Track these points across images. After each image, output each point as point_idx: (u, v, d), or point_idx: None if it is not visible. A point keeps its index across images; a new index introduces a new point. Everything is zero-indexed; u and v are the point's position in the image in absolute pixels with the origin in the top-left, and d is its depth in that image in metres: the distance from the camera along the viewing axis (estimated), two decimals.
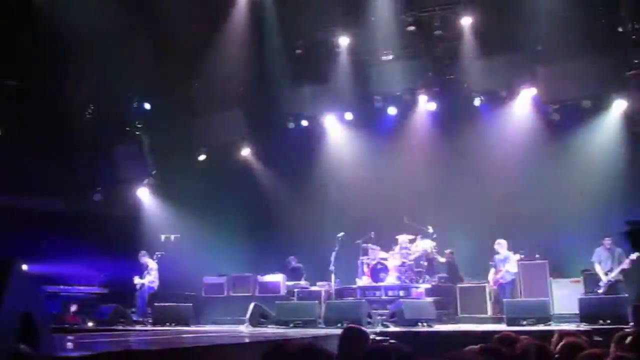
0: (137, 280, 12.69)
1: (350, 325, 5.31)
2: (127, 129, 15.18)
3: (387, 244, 13.17)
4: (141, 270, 12.86)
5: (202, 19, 13.86)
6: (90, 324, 12.58)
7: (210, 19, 13.89)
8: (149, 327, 11.59)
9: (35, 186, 16.48)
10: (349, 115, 15.14)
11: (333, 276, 12.11)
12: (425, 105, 14.45)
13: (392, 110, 14.76)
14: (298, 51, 14.40)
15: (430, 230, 12.83)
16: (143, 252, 13.02)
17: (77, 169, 14.67)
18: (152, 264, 12.81)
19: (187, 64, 14.39)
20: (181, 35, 13.86)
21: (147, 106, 15.22)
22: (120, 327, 11.29)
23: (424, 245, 12.85)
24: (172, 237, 14.95)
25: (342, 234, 12.19)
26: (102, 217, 14.75)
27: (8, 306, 2.95)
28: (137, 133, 15.10)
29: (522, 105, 13.57)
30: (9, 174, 15.95)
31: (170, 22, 13.45)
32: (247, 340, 5.49)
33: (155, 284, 12.78)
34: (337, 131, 15.53)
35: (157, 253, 13.19)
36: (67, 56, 12.93)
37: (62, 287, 13.94)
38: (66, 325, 11.47)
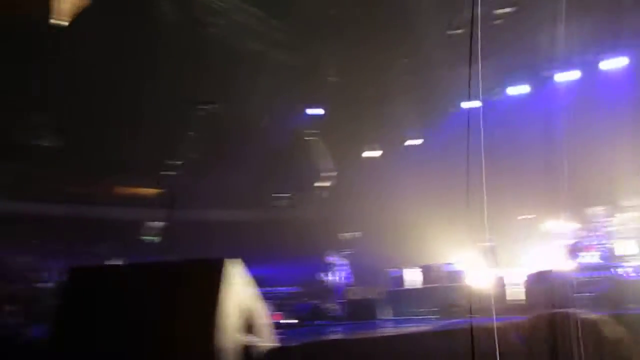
0: (328, 277, 13.06)
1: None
2: (302, 134, 15.99)
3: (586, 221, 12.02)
4: (331, 269, 13.19)
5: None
6: (289, 321, 13.47)
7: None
8: (346, 321, 12.00)
9: (232, 198, 18.29)
10: (524, 88, 14.26)
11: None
12: (609, 65, 12.96)
13: (567, 77, 13.55)
14: (456, 31, 13.93)
15: None
16: (328, 251, 13.39)
17: (265, 178, 15.88)
18: (340, 261, 13.08)
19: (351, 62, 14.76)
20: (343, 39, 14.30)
21: (320, 111, 15.81)
22: (317, 322, 11.89)
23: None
24: (356, 234, 15.33)
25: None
26: (291, 220, 15.76)
27: (230, 302, 3.28)
28: (311, 138, 15.81)
29: None
30: (209, 190, 17.96)
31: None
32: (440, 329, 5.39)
33: (350, 278, 13.05)
34: (506, 110, 14.68)
35: (343, 251, 13.59)
36: (240, 70, 14.10)
37: (262, 288, 15.10)
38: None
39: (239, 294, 3.29)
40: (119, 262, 11.91)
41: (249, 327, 3.27)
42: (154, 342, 2.92)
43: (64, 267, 16.61)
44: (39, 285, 14.63)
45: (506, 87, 14.45)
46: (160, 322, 2.99)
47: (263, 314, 3.52)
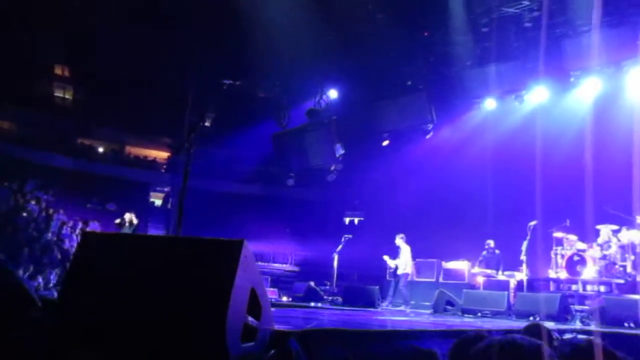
0: (388, 260, 12.77)
1: (535, 322, 5.21)
2: (316, 116, 15.96)
3: (586, 234, 12.00)
4: (395, 252, 12.92)
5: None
6: (285, 299, 13.65)
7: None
8: (338, 307, 12.12)
9: (237, 173, 18.44)
10: (543, 92, 14.11)
11: (524, 266, 11.45)
12: (634, 76, 12.80)
13: (591, 85, 13.38)
14: (484, 29, 13.78)
15: (639, 220, 11.41)
16: (400, 235, 12.92)
17: (271, 156, 15.97)
18: (403, 246, 12.71)
19: (367, 50, 14.66)
20: (361, 22, 14.17)
21: (334, 94, 15.80)
22: (312, 304, 12.02)
23: (631, 236, 11.48)
24: (356, 220, 15.35)
25: (534, 222, 11.42)
26: (295, 201, 15.86)
27: (239, 282, 3.35)
28: (325, 121, 15.77)
29: None
30: (214, 163, 18.11)
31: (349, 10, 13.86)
32: (442, 328, 5.46)
33: (404, 270, 12.54)
34: (527, 111, 14.56)
35: (345, 235, 13.59)
36: (258, 52, 14.08)
37: (259, 264, 15.29)
38: None
39: (249, 274, 3.36)
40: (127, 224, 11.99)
41: (252, 308, 3.34)
42: (162, 319, 2.99)
43: (69, 220, 16.90)
44: (44, 236, 14.87)
45: (529, 90, 14.20)
46: (169, 300, 3.05)
47: (265, 295, 3.60)
